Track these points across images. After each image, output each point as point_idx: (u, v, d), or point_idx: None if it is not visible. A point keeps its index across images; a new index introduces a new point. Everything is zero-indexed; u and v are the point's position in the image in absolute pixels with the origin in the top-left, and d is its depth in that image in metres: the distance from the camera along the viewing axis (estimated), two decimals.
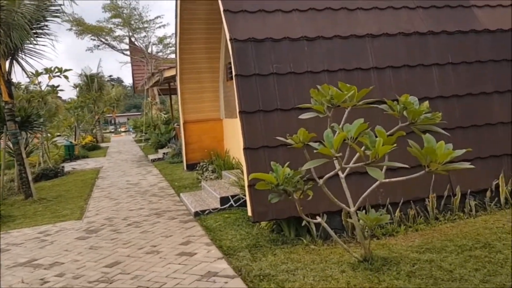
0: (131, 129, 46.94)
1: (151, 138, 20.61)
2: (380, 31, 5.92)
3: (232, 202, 7.32)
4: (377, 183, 3.79)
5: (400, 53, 5.90)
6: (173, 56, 27.26)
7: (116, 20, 25.47)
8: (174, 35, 29.21)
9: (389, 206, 5.42)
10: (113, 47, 26.92)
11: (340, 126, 3.86)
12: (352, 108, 4.14)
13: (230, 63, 9.67)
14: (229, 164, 9.53)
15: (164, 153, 17.19)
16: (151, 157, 17.65)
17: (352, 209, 4.13)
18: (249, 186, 5.19)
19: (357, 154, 3.95)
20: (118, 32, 26.29)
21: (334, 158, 3.57)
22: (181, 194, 8.79)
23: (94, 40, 26.44)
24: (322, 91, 3.88)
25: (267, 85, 5.43)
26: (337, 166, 3.96)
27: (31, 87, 15.73)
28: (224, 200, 7.31)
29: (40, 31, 11.12)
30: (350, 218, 4.62)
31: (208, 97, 10.41)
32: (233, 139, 9.90)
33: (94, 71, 33.16)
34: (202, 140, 10.51)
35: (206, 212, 7.21)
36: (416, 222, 5.57)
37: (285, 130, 5.36)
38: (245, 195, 7.03)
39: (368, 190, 3.94)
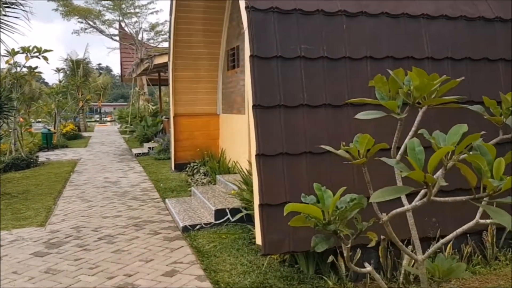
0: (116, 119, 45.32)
1: (137, 130, 19.13)
2: (437, 12, 4.60)
3: (229, 216, 5.96)
4: (473, 221, 2.47)
5: (461, 41, 4.59)
6: (165, 44, 25.72)
7: (106, 3, 23.84)
8: (167, 22, 27.56)
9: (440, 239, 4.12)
10: (101, 32, 25.27)
11: (411, 133, 2.55)
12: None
13: (232, 49, 8.31)
14: (225, 167, 8.16)
15: (149, 148, 15.76)
16: (135, 151, 16.20)
17: (420, 258, 2.80)
18: (260, 205, 3.84)
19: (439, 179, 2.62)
20: (108, 15, 24.66)
21: (424, 187, 2.22)
22: (166, 200, 7.39)
23: (82, 23, 24.75)
24: (395, 78, 2.52)
25: (292, 72, 4.07)
26: (406, 203, 2.62)
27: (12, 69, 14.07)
28: (219, 213, 5.94)
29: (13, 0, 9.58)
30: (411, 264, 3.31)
31: (204, 88, 9.00)
32: (231, 138, 8.53)
33: (81, 56, 31.44)
34: (194, 137, 9.10)
35: (197, 227, 5.84)
36: (472, 261, 4.33)
37: (312, 134, 4.05)
38: (246, 208, 5.70)
39: (453, 234, 2.59)
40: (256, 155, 3.90)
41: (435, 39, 4.48)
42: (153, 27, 25.06)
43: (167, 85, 24.49)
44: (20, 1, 8.94)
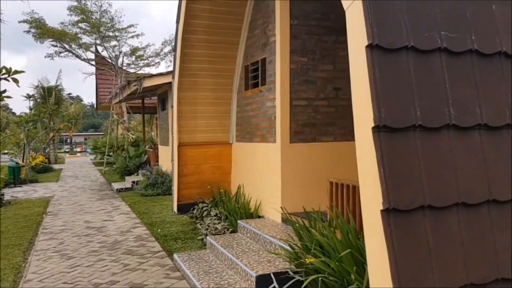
0: (88, 150, 43.06)
1: (117, 162, 17.16)
2: None
3: (275, 285, 4.27)
4: None
5: None
6: (147, 70, 24.15)
7: (84, 25, 22.11)
8: (149, 47, 25.98)
9: None
10: (77, 56, 23.40)
11: None
12: None
13: (254, 63, 6.75)
14: (246, 209, 6.48)
15: (133, 182, 13.87)
16: (116, 186, 14.22)
17: None
18: None
19: None
20: (85, 39, 22.89)
21: None
22: (176, 257, 5.62)
23: (56, 46, 22.85)
24: None
25: (430, 73, 2.55)
26: None
27: None
28: (263, 281, 4.24)
29: None
30: None
31: (214, 112, 7.36)
32: (251, 172, 6.89)
33: (53, 83, 29.35)
34: (201, 171, 7.40)
35: None
36: None
37: (465, 172, 2.50)
38: (297, 272, 4.05)
39: None
40: (383, 211, 2.31)
41: None
42: (134, 51, 23.38)
43: (152, 113, 22.75)
44: None
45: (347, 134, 6.07)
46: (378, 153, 2.35)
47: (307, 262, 3.36)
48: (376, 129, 2.37)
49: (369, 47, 2.43)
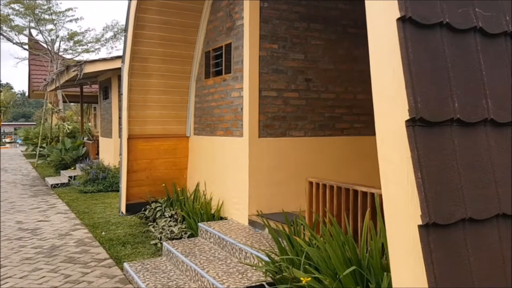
0: (18, 141, 40.13)
1: (52, 154, 15.75)
2: None
3: None
4: None
5: None
6: (86, 56, 22.55)
7: (17, 5, 20.11)
8: (88, 32, 24.19)
9: None
10: (8, 39, 21.31)
11: None
12: None
13: (217, 49, 6.08)
14: (207, 210, 5.86)
15: (70, 177, 12.73)
16: (51, 181, 12.99)
17: None
18: None
19: None
20: (18, 21, 20.92)
21: None
22: (127, 266, 4.91)
23: None
24: None
25: (466, 56, 2.12)
26: None
27: None
28: None
29: None
30: None
31: (170, 101, 6.58)
32: (211, 168, 6.28)
33: None
34: (154, 166, 6.66)
35: None
36: None
37: (503, 175, 2.11)
38: (273, 284, 3.58)
39: None
40: (421, 226, 1.85)
41: None
42: (72, 35, 21.66)
43: (92, 102, 21.26)
44: None
45: (317, 129, 5.65)
46: (413, 153, 1.88)
47: (303, 281, 2.85)
48: (411, 123, 1.90)
49: (401, 20, 1.95)
